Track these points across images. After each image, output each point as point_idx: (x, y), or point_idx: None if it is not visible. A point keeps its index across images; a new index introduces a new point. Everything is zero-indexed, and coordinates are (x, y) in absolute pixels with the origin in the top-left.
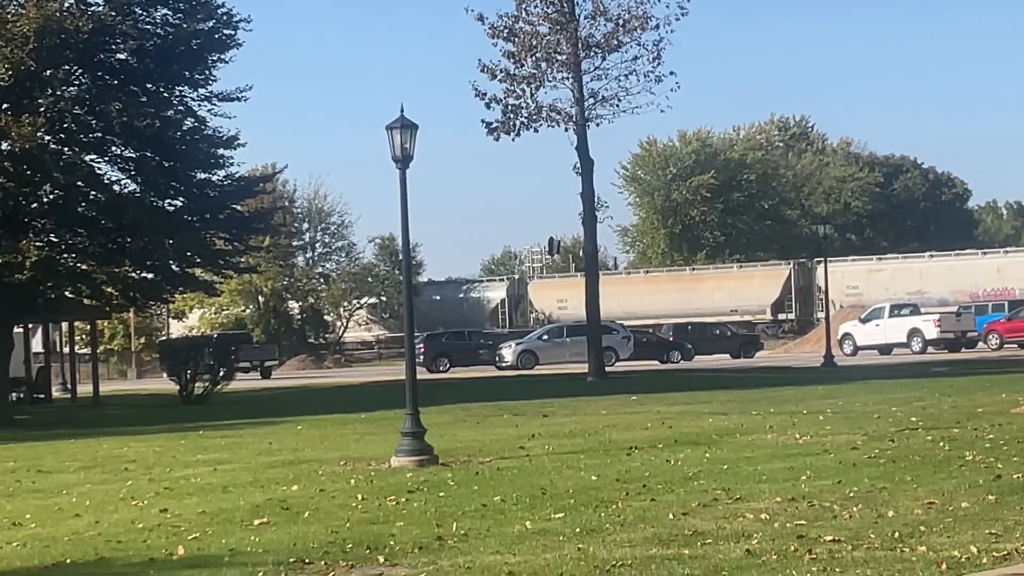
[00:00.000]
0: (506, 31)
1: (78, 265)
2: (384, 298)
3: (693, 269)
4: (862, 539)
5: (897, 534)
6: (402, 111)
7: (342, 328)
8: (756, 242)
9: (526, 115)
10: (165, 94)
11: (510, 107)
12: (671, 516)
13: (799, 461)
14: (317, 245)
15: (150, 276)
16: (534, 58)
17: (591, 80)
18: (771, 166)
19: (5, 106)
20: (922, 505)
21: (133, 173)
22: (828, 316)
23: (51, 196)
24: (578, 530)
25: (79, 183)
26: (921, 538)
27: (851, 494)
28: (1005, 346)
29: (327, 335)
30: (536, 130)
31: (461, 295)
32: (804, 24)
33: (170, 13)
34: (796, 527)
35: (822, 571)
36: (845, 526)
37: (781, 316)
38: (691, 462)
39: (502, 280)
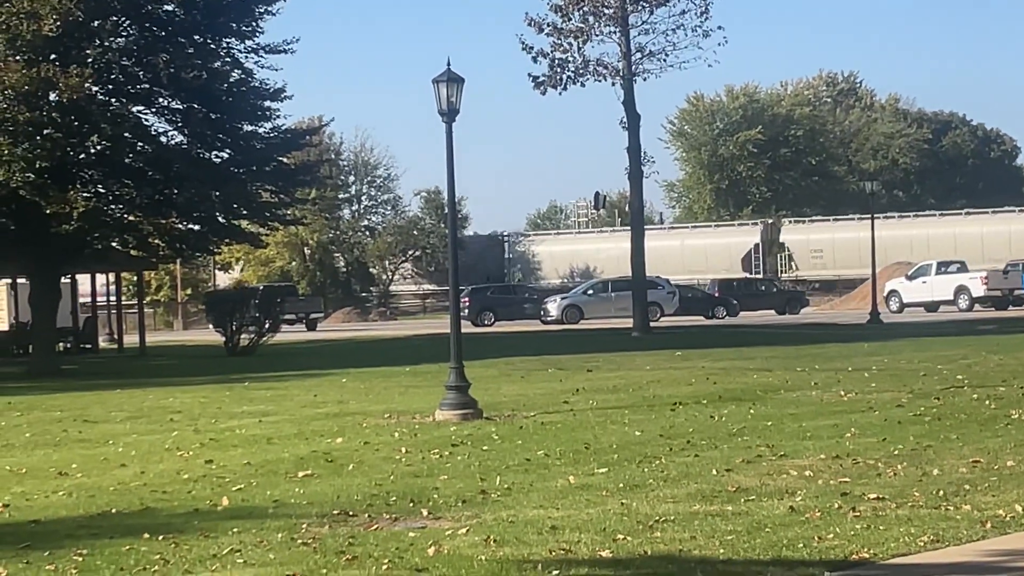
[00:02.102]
0: None
1: (125, 216)
2: (429, 251)
3: None
4: (906, 497)
5: (942, 492)
6: (448, 64)
7: (387, 281)
8: (803, 198)
9: (573, 69)
10: (212, 46)
11: (557, 61)
12: (715, 472)
13: (844, 418)
14: (363, 198)
15: (196, 227)
16: (581, 12)
17: (638, 34)
18: (819, 122)
19: (53, 57)
20: (967, 463)
21: (180, 125)
22: (874, 273)
23: (98, 147)
24: (621, 485)
25: (126, 134)
26: (966, 496)
27: (896, 452)
28: None
29: (372, 288)
30: (583, 84)
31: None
32: None
33: None
34: (840, 484)
35: (866, 529)
36: (889, 484)
37: None
38: (735, 418)
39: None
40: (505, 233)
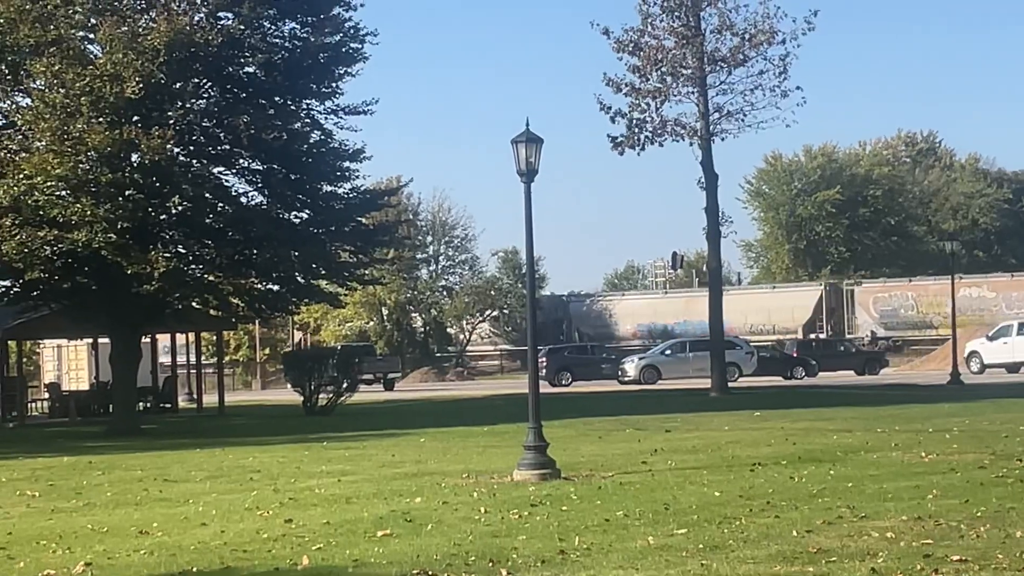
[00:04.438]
0: (631, 45)
1: (205, 276)
2: (507, 311)
3: None
4: (989, 559)
5: None
6: (527, 125)
7: (465, 341)
8: (881, 258)
9: (651, 129)
10: (292, 107)
11: (635, 121)
12: (795, 533)
13: (925, 480)
14: (440, 258)
15: (275, 288)
16: (659, 72)
17: (716, 94)
18: (897, 182)
19: (136, 118)
20: None
21: (260, 185)
22: (955, 334)
23: (179, 208)
24: (701, 546)
25: (207, 195)
26: None
27: (978, 514)
28: None
29: (450, 348)
30: (661, 144)
31: None
32: (931, 38)
33: (298, 27)
34: (922, 546)
35: None
36: (972, 546)
37: None
38: (815, 479)
39: None
40: None
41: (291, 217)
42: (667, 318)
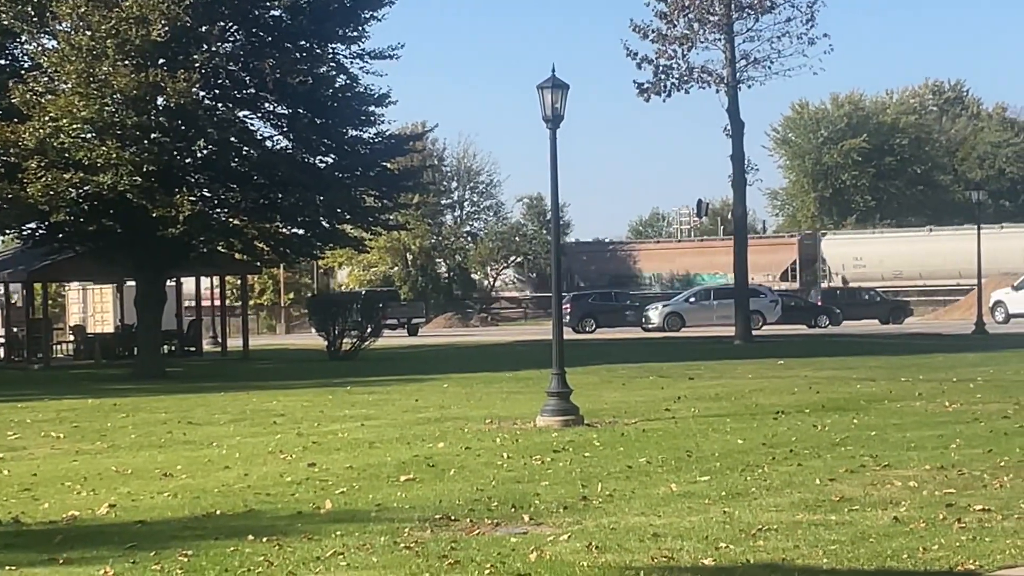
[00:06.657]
0: None
1: (230, 220)
2: (531, 257)
3: None
4: (1012, 509)
5: None
6: (553, 71)
7: (489, 287)
8: (908, 207)
9: (677, 76)
10: (318, 51)
11: (661, 68)
12: (818, 481)
13: (948, 429)
14: (465, 204)
15: (300, 232)
16: (686, 18)
17: (743, 41)
18: (924, 131)
19: (161, 61)
20: None
21: (285, 130)
22: (980, 283)
23: (205, 151)
24: (724, 493)
25: (232, 139)
26: None
27: (1002, 463)
28: None
29: (474, 294)
30: (687, 91)
31: None
32: None
33: None
34: (945, 495)
35: (971, 540)
36: (996, 495)
37: None
38: (838, 428)
39: None
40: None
41: (316, 161)
42: None
